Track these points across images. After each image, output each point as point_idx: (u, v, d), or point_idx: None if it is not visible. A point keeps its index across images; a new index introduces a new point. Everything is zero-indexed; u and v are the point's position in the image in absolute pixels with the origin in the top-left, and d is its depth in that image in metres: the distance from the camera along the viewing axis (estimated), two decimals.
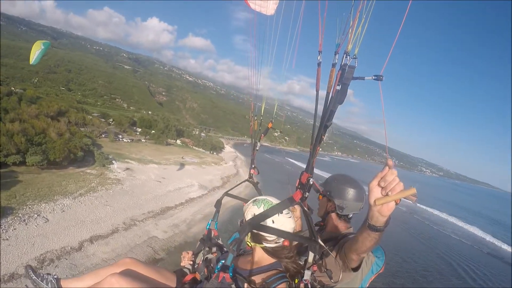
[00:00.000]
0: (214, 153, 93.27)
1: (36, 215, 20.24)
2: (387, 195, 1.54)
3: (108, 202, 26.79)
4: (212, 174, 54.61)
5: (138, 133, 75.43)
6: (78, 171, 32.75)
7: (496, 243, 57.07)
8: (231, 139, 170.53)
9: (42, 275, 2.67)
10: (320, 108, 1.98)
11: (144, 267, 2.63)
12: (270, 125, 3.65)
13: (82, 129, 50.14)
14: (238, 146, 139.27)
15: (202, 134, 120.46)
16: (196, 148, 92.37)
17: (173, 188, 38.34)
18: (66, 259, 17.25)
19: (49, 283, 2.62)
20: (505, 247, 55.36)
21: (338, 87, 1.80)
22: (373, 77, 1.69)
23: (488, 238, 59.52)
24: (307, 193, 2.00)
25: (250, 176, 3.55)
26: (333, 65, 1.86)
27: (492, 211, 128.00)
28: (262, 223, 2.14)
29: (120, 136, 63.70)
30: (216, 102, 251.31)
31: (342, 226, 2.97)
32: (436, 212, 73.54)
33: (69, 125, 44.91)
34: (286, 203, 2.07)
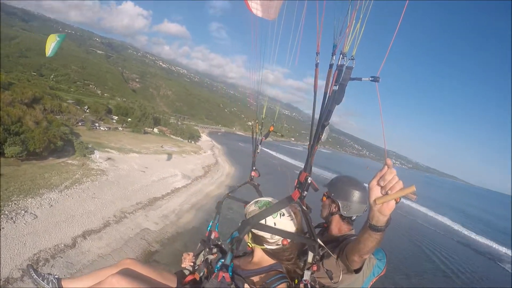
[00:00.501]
0: (192, 142, 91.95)
1: (23, 212, 18.26)
2: (386, 194, 1.54)
3: (95, 195, 25.12)
4: (193, 163, 53.59)
5: (115, 121, 72.40)
6: (59, 161, 30.51)
7: (465, 232, 59.78)
8: (206, 127, 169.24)
9: (43, 274, 2.66)
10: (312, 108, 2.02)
11: (145, 267, 2.63)
12: (271, 128, 3.71)
13: (57, 117, 47.09)
14: (213, 134, 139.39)
15: (179, 122, 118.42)
16: (174, 137, 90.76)
17: (157, 178, 36.97)
18: (61, 258, 15.68)
19: (50, 283, 2.61)
20: (473, 235, 58.44)
21: (335, 87, 1.80)
22: (370, 78, 1.66)
23: (457, 227, 62.04)
24: (305, 192, 1.93)
25: (251, 178, 3.48)
26: (331, 66, 1.84)
27: (459, 203, 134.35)
28: (262, 222, 2.10)
29: (97, 124, 60.60)
30: (190, 89, 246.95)
31: (344, 228, 2.97)
32: (407, 202, 75.05)
33: (45, 112, 42.00)
34: (285, 202, 1.99)
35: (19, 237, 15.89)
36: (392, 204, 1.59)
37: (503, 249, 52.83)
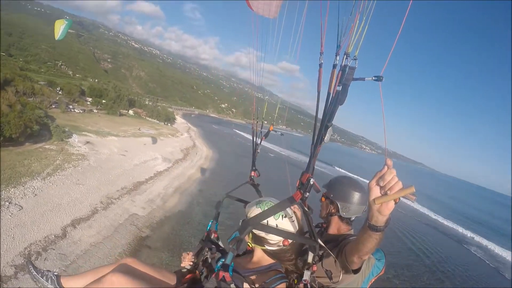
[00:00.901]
0: (168, 124, 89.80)
1: (8, 203, 16.78)
2: (386, 194, 1.50)
3: (79, 181, 23.75)
4: (171, 146, 52.75)
5: (89, 103, 68.80)
6: (37, 147, 28.51)
7: (432, 216, 62.50)
8: (179, 109, 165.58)
9: (42, 271, 2.54)
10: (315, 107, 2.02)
11: (145, 266, 2.52)
12: (271, 127, 3.56)
13: (30, 99, 43.90)
14: (187, 116, 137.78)
15: (155, 104, 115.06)
16: (150, 119, 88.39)
17: (138, 161, 35.75)
18: (53, 249, 14.63)
19: (49, 280, 2.49)
20: (440, 219, 61.42)
21: (339, 88, 1.74)
22: (374, 78, 1.60)
23: (426, 211, 64.42)
24: (307, 193, 1.82)
25: (251, 178, 3.32)
26: (334, 66, 1.76)
27: (426, 188, 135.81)
28: (263, 223, 2.01)
29: (71, 107, 57.25)
30: (163, 71, 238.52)
31: (343, 228, 2.86)
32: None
33: (17, 95, 38.92)
34: (287, 203, 1.87)
35: (6, 231, 14.56)
36: (391, 204, 1.52)
37: (468, 233, 56.02)
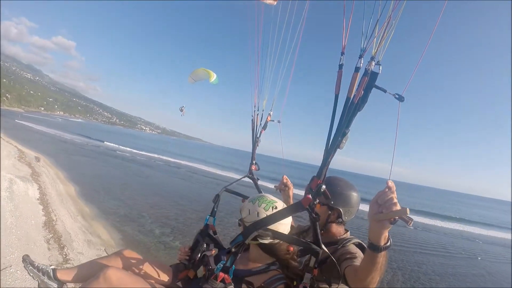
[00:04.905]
0: None
1: None
2: (381, 212, 1.41)
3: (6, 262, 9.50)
4: (3, 157, 33.60)
5: None
6: None
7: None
8: None
9: (39, 266, 2.29)
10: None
11: (141, 260, 2.28)
12: (269, 118, 3.10)
13: None
14: None
15: None
16: None
17: (5, 192, 19.78)
18: None
19: (45, 274, 2.26)
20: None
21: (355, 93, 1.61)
22: (395, 96, 1.41)
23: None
24: (317, 200, 1.65)
25: (250, 172, 3.00)
26: (356, 69, 1.50)
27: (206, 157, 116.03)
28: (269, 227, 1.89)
29: None
30: None
31: (340, 231, 2.51)
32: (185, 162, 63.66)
33: None
34: (294, 209, 1.72)
35: None
36: (386, 223, 1.40)
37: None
